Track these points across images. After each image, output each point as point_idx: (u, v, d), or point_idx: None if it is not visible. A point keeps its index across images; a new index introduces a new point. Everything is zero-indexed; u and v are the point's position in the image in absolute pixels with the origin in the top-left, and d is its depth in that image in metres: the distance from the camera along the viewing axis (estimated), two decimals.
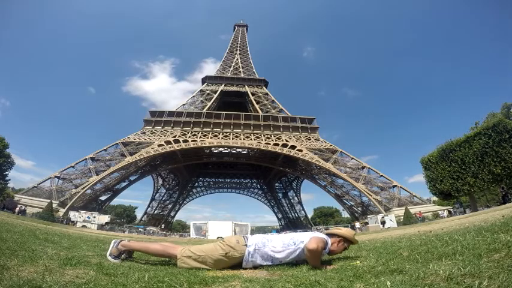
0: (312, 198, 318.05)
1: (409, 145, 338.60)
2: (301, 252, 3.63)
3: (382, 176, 67.96)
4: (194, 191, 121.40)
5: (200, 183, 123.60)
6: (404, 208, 47.97)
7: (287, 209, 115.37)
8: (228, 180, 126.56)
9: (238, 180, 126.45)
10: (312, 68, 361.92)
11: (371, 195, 62.50)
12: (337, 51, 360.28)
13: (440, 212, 49.16)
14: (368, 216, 53.31)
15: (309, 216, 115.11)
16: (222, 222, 47.71)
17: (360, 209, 72.24)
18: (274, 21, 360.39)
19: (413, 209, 53.88)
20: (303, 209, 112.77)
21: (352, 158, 72.77)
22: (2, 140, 44.31)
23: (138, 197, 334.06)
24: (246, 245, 3.71)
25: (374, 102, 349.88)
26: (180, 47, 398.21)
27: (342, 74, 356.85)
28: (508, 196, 25.26)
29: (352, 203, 74.47)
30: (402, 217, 45.90)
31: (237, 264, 3.70)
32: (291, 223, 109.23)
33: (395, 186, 65.03)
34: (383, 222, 43.37)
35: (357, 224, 50.10)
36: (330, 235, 3.97)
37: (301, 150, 71.97)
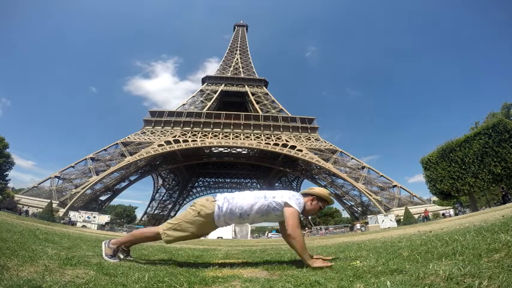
0: None
1: (409, 145, 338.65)
2: (271, 208, 3.50)
3: (382, 176, 68.05)
4: (194, 191, 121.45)
5: (200, 183, 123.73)
6: (404, 208, 48.04)
7: None
8: (228, 180, 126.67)
9: (238, 180, 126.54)
10: (314, 68, 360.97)
11: (371, 195, 62.58)
12: (340, 51, 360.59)
13: (445, 212, 49.16)
14: (368, 216, 53.34)
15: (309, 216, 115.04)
16: None
17: (359, 209, 72.34)
18: (277, 21, 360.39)
19: (414, 209, 53.98)
20: None
21: (352, 158, 72.87)
22: (2, 140, 44.28)
23: (138, 197, 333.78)
24: (215, 200, 3.62)
25: (375, 102, 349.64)
26: (184, 46, 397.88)
27: (344, 74, 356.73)
28: (508, 196, 25.28)
29: (352, 203, 74.57)
30: (402, 217, 46.01)
31: (213, 223, 3.63)
32: None
33: (395, 186, 65.09)
34: (399, 221, 43.64)
35: (358, 225, 50.09)
36: (304, 194, 3.79)
37: (301, 150, 72.05)
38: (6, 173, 47.00)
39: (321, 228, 66.44)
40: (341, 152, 73.95)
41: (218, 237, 39.85)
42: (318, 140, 78.82)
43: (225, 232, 43.69)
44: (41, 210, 47.23)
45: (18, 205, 46.07)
